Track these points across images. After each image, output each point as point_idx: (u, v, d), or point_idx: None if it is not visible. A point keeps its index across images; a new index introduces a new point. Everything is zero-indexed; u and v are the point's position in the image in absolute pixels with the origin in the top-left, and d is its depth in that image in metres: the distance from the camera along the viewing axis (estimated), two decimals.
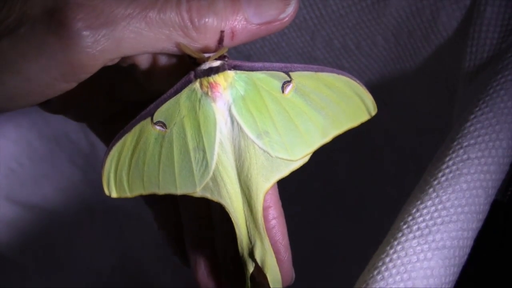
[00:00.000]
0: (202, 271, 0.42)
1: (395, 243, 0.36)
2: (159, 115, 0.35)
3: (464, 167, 0.38)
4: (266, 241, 0.37)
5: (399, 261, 0.35)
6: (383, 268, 0.35)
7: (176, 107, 0.35)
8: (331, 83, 0.35)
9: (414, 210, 0.37)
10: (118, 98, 0.42)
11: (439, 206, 0.37)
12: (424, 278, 0.35)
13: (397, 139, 0.60)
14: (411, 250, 0.36)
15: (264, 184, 0.36)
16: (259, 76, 0.35)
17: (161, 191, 0.37)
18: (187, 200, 0.42)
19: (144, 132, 0.36)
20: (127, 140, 0.36)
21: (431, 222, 0.36)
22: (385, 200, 0.63)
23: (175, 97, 0.35)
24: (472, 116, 0.41)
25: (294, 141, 0.36)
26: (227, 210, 0.37)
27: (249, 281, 0.39)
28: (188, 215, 0.43)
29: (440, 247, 0.36)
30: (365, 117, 0.36)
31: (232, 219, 0.37)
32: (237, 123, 0.35)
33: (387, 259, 0.36)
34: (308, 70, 0.35)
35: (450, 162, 0.39)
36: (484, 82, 0.43)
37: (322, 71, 0.35)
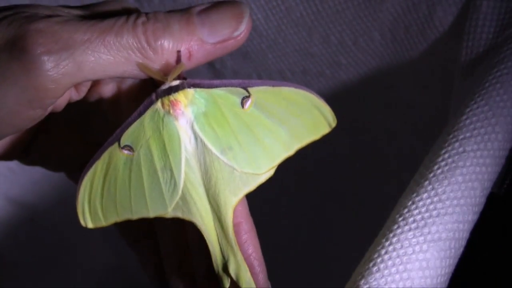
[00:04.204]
0: None
1: (391, 235, 0.36)
2: (125, 139, 0.36)
3: (460, 160, 0.38)
4: (239, 255, 0.38)
5: (394, 253, 0.35)
6: (378, 260, 0.35)
7: (141, 129, 0.36)
8: (289, 97, 0.36)
9: (410, 203, 0.37)
10: (93, 140, 0.43)
11: (435, 199, 0.37)
12: (419, 270, 0.35)
13: (394, 134, 0.60)
14: (407, 242, 0.36)
15: (232, 198, 0.37)
16: (218, 92, 0.36)
17: (134, 215, 0.37)
18: (164, 230, 0.43)
19: (113, 157, 0.36)
20: (98, 168, 0.36)
21: (426, 215, 0.37)
22: (383, 196, 0.63)
23: (139, 119, 0.36)
24: (468, 110, 0.41)
25: (257, 155, 0.37)
26: (199, 227, 0.37)
27: None
28: (167, 245, 0.44)
29: (436, 239, 0.36)
30: (326, 130, 0.37)
31: (204, 236, 0.38)
32: (201, 140, 0.36)
33: (383, 251, 0.36)
34: (265, 85, 0.36)
35: (446, 155, 0.39)
36: (480, 76, 0.43)
37: (280, 85, 0.36)
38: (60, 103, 0.37)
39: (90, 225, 0.37)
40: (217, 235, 0.38)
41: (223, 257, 0.38)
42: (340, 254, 0.68)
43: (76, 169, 0.45)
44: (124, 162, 0.36)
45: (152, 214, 0.37)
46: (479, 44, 0.46)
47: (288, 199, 0.71)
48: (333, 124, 0.37)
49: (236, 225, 0.38)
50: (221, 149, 0.36)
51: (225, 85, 0.36)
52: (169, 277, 0.43)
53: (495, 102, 0.40)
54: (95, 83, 0.39)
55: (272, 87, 0.36)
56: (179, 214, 0.37)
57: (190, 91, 0.36)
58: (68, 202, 0.78)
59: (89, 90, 0.39)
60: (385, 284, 0.34)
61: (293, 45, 0.56)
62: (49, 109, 0.36)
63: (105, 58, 0.33)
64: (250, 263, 0.38)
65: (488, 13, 0.45)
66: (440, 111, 0.51)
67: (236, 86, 0.36)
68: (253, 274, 0.38)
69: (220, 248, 0.38)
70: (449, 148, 0.39)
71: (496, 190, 0.42)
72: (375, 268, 0.35)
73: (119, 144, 0.36)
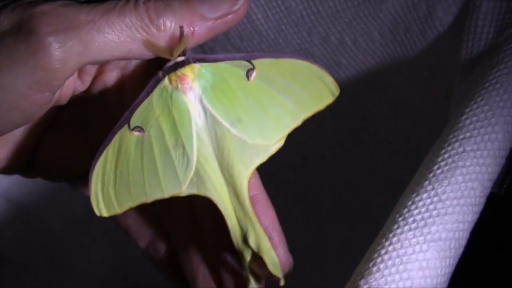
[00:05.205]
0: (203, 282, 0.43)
1: (391, 235, 0.36)
2: (135, 120, 0.36)
3: (460, 160, 0.38)
4: (257, 225, 0.38)
5: (394, 253, 0.35)
6: (378, 260, 0.35)
7: (150, 109, 0.36)
8: (292, 69, 0.37)
9: (410, 203, 0.37)
10: (96, 145, 0.43)
11: (435, 199, 0.37)
12: (419, 270, 0.35)
13: (393, 134, 0.61)
14: (407, 242, 0.36)
15: (246, 170, 0.37)
16: (223, 66, 0.36)
17: (149, 198, 0.37)
18: (176, 222, 0.44)
19: (124, 141, 0.36)
20: (109, 154, 0.36)
21: (426, 215, 0.36)
22: (382, 196, 0.63)
23: (147, 99, 0.36)
24: (468, 110, 0.41)
25: (267, 125, 0.37)
26: (215, 202, 0.38)
27: (248, 271, 0.40)
28: (181, 236, 0.44)
29: (436, 239, 0.36)
30: (330, 99, 0.38)
31: (221, 210, 0.38)
32: (210, 113, 0.36)
33: (383, 251, 0.36)
34: (268, 57, 0.37)
35: (446, 155, 0.39)
36: (480, 76, 0.43)
37: (282, 57, 0.37)
38: (65, 93, 0.37)
39: (105, 213, 0.37)
40: (233, 208, 0.38)
41: (242, 229, 0.38)
42: (340, 254, 0.68)
43: (78, 177, 0.45)
44: (135, 144, 0.36)
45: (167, 194, 0.37)
46: (479, 44, 0.46)
47: (287, 199, 0.71)
48: (336, 93, 0.38)
49: (251, 198, 0.38)
50: (230, 121, 0.37)
51: (230, 59, 0.36)
52: (187, 268, 0.44)
53: (495, 102, 0.40)
54: (99, 72, 0.39)
55: (275, 59, 0.37)
56: (194, 191, 0.37)
57: (196, 66, 0.36)
58: (68, 202, 0.79)
59: (93, 80, 0.39)
60: (385, 284, 0.34)
61: (293, 45, 0.56)
62: (56, 95, 0.36)
63: (110, 37, 0.34)
64: (269, 234, 0.39)
65: (488, 13, 0.45)
66: (440, 111, 0.51)
67: (240, 59, 0.36)
68: (273, 245, 0.39)
69: (238, 220, 0.38)
70: (449, 148, 0.39)
71: (496, 190, 0.42)
72: (375, 268, 0.35)
73: (128, 126, 0.36)
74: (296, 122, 0.38)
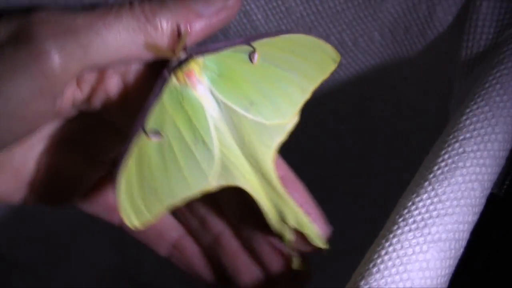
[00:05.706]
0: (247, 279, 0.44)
1: (391, 236, 0.36)
2: (149, 125, 0.36)
3: (460, 161, 0.38)
4: (292, 203, 0.38)
5: (394, 254, 0.35)
6: (378, 261, 0.35)
7: (162, 110, 0.36)
8: (291, 44, 0.37)
9: (410, 204, 0.37)
10: (100, 159, 0.43)
11: (435, 199, 0.37)
12: (420, 271, 0.35)
13: (393, 134, 0.60)
14: (407, 243, 0.36)
15: (269, 151, 0.38)
16: (225, 54, 0.37)
17: (179, 199, 0.37)
18: (203, 218, 0.45)
19: (142, 147, 0.36)
20: (129, 164, 0.36)
21: (426, 215, 0.36)
22: (383, 196, 0.63)
23: (157, 101, 0.36)
24: (468, 110, 0.41)
25: (279, 104, 0.38)
26: (245, 189, 0.38)
27: (292, 249, 0.40)
28: (210, 232, 0.45)
29: (436, 240, 0.36)
30: (332, 66, 0.38)
31: (253, 196, 0.38)
32: (223, 103, 0.37)
33: (383, 252, 0.36)
34: (266, 37, 0.37)
35: (446, 156, 0.39)
36: (480, 77, 0.43)
37: (279, 34, 0.37)
38: (65, 104, 0.37)
39: (137, 224, 0.37)
40: (265, 191, 0.38)
41: (277, 211, 0.39)
42: (340, 253, 0.68)
43: (81, 196, 0.45)
44: (154, 148, 0.36)
45: (195, 191, 0.37)
46: (479, 44, 0.45)
47: None
48: (337, 59, 0.38)
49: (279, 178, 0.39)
50: (244, 106, 0.37)
51: (230, 45, 0.37)
52: (225, 260, 0.44)
53: (495, 102, 0.40)
54: (99, 80, 0.39)
55: (273, 37, 0.37)
56: (223, 182, 0.38)
57: (200, 59, 0.36)
58: None
59: (94, 90, 0.39)
60: (385, 285, 0.34)
61: None
62: (57, 104, 0.36)
63: (109, 40, 0.34)
64: (305, 210, 0.39)
65: (488, 14, 0.45)
66: (440, 111, 0.51)
67: (240, 44, 0.37)
68: (311, 219, 0.39)
69: (272, 203, 0.39)
70: (449, 148, 0.39)
71: (496, 191, 0.42)
72: (375, 269, 0.35)
73: (144, 132, 0.36)
74: (306, 95, 0.38)
